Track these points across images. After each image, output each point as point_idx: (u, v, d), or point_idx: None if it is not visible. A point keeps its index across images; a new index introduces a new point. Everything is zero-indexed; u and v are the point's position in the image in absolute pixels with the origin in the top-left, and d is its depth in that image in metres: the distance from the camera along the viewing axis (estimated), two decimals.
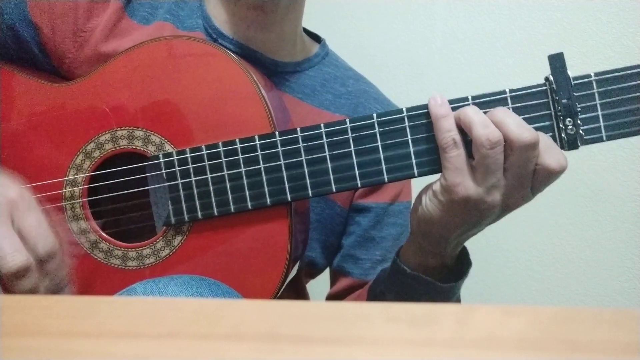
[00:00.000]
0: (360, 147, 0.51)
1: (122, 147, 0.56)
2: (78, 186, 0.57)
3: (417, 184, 0.77)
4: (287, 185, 0.52)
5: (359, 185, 0.52)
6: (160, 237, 0.56)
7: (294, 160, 0.52)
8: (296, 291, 0.74)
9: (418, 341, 0.25)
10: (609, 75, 0.48)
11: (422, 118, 0.51)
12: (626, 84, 0.48)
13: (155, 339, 0.26)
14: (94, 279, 0.57)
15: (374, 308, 0.28)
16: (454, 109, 0.50)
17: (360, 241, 0.71)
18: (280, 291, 0.55)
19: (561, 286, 1.12)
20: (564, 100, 0.48)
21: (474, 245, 0.58)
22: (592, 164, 1.04)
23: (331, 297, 0.75)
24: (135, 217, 0.60)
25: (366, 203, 0.71)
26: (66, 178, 0.57)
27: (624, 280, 1.08)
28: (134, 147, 0.56)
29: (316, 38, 0.75)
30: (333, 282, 0.75)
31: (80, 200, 0.57)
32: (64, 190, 0.57)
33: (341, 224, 0.71)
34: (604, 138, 0.49)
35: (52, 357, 0.25)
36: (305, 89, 0.68)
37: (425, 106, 0.51)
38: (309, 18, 0.74)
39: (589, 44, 1.02)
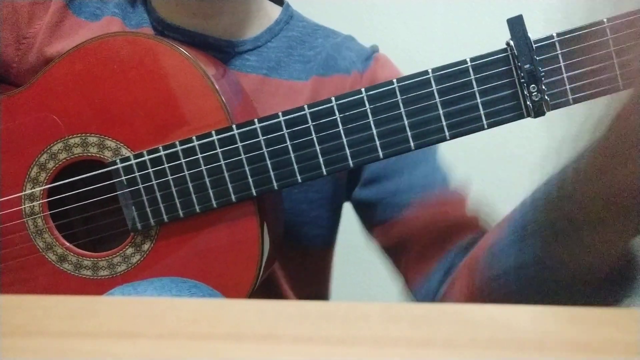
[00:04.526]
0: (321, 134, 0.49)
1: (77, 155, 0.53)
2: (37, 200, 0.54)
3: None
4: (250, 180, 0.50)
5: (325, 173, 0.50)
6: (129, 244, 0.54)
7: (256, 153, 0.50)
8: (320, 272, 0.71)
9: (418, 341, 0.25)
10: (572, 35, 0.46)
11: (383, 99, 0.48)
12: (589, 42, 0.46)
13: (155, 339, 0.26)
14: (66, 292, 0.54)
15: (374, 308, 0.28)
16: (414, 84, 0.46)
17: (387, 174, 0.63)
18: (257, 285, 0.53)
19: None
20: (527, 66, 0.46)
21: None
22: None
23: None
24: (103, 225, 0.57)
25: None
26: (23, 193, 0.54)
27: None
28: (89, 154, 0.53)
29: (279, 2, 0.69)
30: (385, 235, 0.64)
31: (42, 214, 0.54)
32: (23, 206, 0.54)
33: (343, 186, 0.66)
34: (571, 101, 0.46)
35: (52, 357, 0.25)
36: (270, 63, 0.63)
37: (383, 85, 0.47)
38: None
39: None
